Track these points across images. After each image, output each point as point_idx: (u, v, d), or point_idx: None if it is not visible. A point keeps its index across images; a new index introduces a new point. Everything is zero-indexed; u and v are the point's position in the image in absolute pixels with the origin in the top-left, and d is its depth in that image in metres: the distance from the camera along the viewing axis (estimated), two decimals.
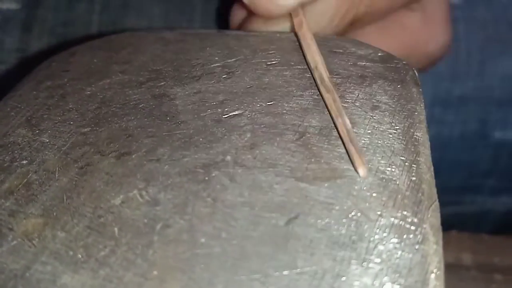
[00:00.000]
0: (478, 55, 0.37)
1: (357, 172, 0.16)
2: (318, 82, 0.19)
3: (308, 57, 0.20)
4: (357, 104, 0.18)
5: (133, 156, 0.17)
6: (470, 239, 0.34)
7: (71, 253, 0.14)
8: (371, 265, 0.14)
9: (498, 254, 0.33)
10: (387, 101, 0.19)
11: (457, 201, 0.41)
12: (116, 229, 0.15)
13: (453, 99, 0.37)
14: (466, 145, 0.38)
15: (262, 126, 0.18)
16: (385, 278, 0.13)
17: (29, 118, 0.19)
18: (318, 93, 0.19)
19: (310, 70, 0.20)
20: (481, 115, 0.38)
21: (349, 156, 0.16)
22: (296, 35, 0.22)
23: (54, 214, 0.15)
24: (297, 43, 0.22)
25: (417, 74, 0.20)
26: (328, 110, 0.18)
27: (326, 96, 0.18)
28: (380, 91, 0.19)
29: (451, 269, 0.33)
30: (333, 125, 0.18)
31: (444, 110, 0.37)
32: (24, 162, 0.17)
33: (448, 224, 0.35)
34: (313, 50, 0.20)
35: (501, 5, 0.38)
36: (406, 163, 0.16)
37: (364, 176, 0.16)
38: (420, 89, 0.20)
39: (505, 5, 0.38)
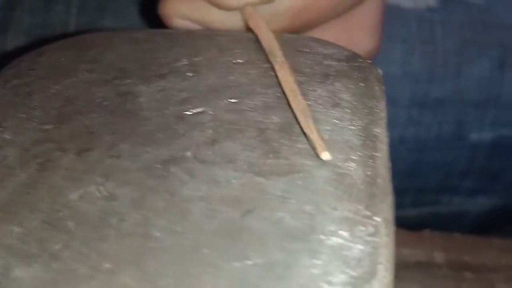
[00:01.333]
0: (455, 58, 0.38)
1: (320, 157, 0.16)
2: (273, 60, 0.20)
3: (263, 43, 0.21)
4: (319, 101, 0.19)
5: (94, 152, 0.17)
6: (443, 238, 0.35)
7: (25, 247, 0.14)
8: (321, 256, 0.14)
9: (469, 252, 0.34)
10: (349, 98, 0.19)
11: (434, 202, 0.41)
12: (72, 224, 0.15)
13: (430, 101, 0.38)
14: (443, 147, 0.39)
15: (224, 122, 0.18)
16: (334, 269, 0.14)
17: None
18: (281, 91, 0.19)
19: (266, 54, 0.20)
20: (458, 116, 0.38)
21: (310, 143, 0.17)
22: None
23: (12, 209, 0.15)
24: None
25: (381, 73, 0.21)
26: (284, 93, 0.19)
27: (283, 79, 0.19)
28: (342, 89, 0.19)
29: (423, 267, 0.33)
30: (294, 121, 0.18)
31: (421, 112, 0.38)
32: None
33: (425, 224, 0.36)
34: (267, 36, 0.21)
35: (477, 8, 0.39)
36: (363, 158, 0.17)
37: (328, 159, 0.16)
38: (383, 87, 0.20)
39: (481, 8, 0.39)
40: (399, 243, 0.36)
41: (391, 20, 0.32)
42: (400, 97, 0.37)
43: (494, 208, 0.41)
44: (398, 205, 0.42)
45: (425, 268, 0.34)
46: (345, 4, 0.26)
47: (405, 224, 0.35)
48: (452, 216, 0.42)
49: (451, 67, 0.38)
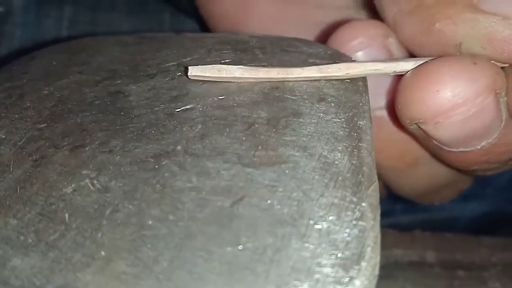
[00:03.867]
0: None
1: None
2: None
3: None
4: (304, 96, 0.19)
5: (87, 148, 0.17)
6: (434, 238, 0.35)
7: (22, 238, 0.15)
8: (310, 239, 0.14)
9: (461, 251, 0.34)
10: (334, 93, 0.19)
11: (426, 208, 0.41)
12: (66, 215, 0.15)
13: None
14: None
15: (213, 118, 0.18)
16: (323, 251, 0.14)
17: None
18: (268, 88, 0.20)
19: None
20: None
21: None
22: None
23: (7, 203, 0.16)
24: (251, 44, 0.22)
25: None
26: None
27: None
28: (327, 84, 0.20)
29: (416, 267, 0.34)
30: (281, 115, 0.18)
31: None
32: None
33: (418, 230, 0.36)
34: None
35: None
36: (348, 149, 0.17)
37: None
38: (366, 83, 0.20)
39: None
40: (391, 244, 0.36)
41: None
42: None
43: (486, 214, 0.41)
44: (389, 212, 0.42)
45: (418, 268, 0.34)
46: None
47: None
48: (443, 223, 0.42)
49: None
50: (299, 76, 0.20)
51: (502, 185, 0.40)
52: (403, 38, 0.21)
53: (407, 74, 0.20)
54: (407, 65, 0.20)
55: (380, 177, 0.26)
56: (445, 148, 0.21)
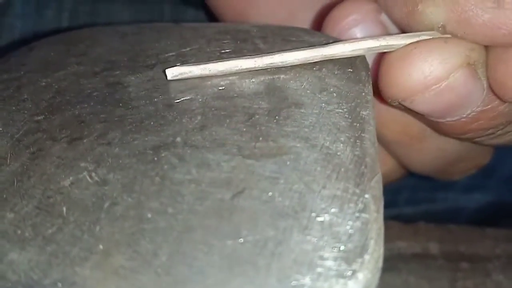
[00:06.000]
0: None
1: None
2: None
3: None
4: (306, 86, 0.19)
5: (85, 141, 0.17)
6: (437, 230, 0.35)
7: (19, 232, 0.14)
8: (312, 232, 0.14)
9: (464, 243, 0.34)
10: (336, 83, 0.19)
11: (430, 199, 0.41)
12: (64, 208, 0.15)
13: None
14: None
15: (213, 109, 0.18)
16: (325, 244, 0.14)
17: None
18: (269, 78, 0.19)
19: None
20: None
21: None
22: None
23: (4, 196, 0.16)
24: (251, 34, 0.22)
25: (366, 58, 0.21)
26: None
27: None
28: (329, 74, 0.19)
29: (419, 258, 0.33)
30: (282, 106, 0.18)
31: None
32: None
33: (422, 221, 0.35)
34: None
35: None
36: (351, 139, 0.17)
37: None
38: (369, 72, 0.20)
39: None
40: (394, 236, 0.36)
41: None
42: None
43: (489, 204, 0.41)
44: (393, 203, 0.41)
45: (421, 260, 0.34)
46: None
47: (400, 221, 0.35)
48: (447, 213, 0.41)
49: None
50: (285, 60, 0.19)
51: (506, 175, 0.40)
52: (392, 19, 0.21)
53: (384, 58, 0.20)
54: (397, 41, 0.20)
55: (393, 155, 0.26)
56: (433, 119, 0.21)
